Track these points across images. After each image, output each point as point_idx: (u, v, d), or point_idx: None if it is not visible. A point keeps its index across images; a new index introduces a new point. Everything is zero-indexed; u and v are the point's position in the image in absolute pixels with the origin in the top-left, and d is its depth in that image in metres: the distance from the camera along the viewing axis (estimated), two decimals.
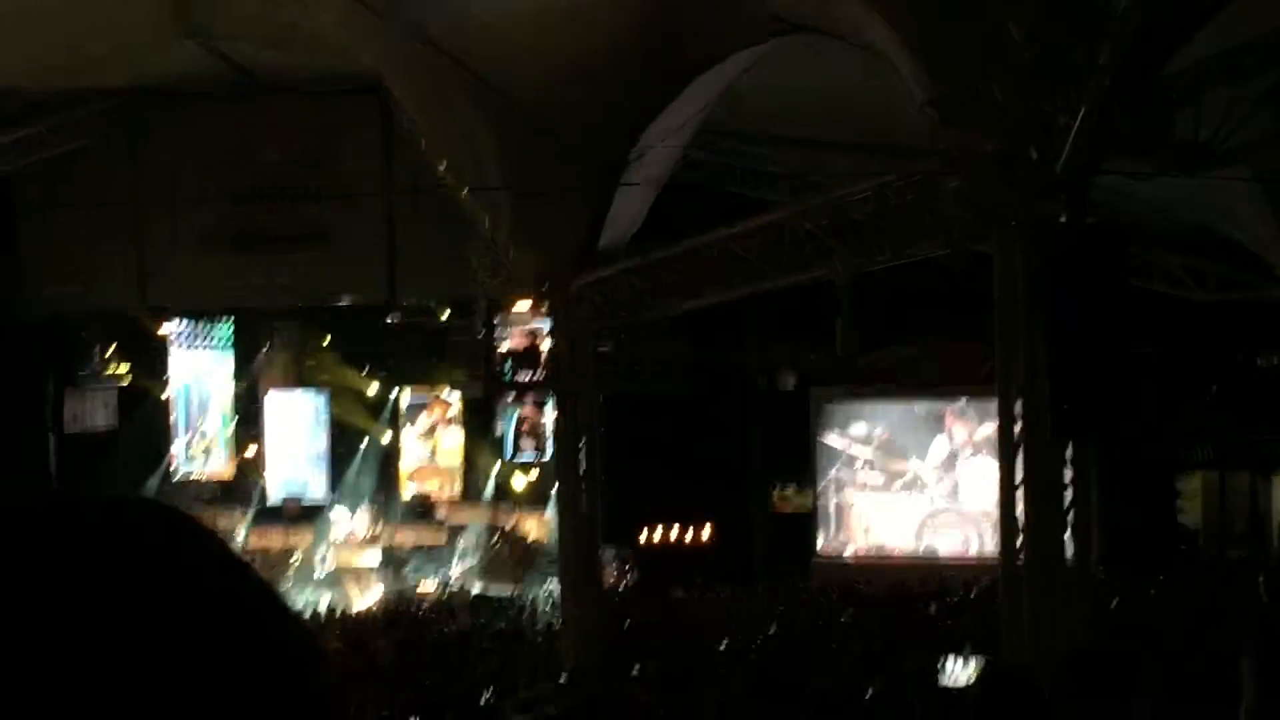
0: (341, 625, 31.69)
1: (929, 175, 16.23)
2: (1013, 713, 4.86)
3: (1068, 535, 15.04)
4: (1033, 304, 14.20)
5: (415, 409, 42.52)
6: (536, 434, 40.69)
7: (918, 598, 29.98)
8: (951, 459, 38.35)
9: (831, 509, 39.70)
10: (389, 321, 38.62)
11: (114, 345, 40.63)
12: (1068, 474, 15.10)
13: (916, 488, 38.78)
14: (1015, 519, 15.01)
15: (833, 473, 39.73)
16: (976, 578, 30.78)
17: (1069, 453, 15.07)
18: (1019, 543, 14.90)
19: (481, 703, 18.18)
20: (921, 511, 38.67)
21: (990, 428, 36.53)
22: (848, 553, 39.09)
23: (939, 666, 13.91)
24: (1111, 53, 12.89)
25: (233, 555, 1.17)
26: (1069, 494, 15.04)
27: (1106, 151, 14.01)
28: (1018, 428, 14.81)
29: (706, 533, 39.98)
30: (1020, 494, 14.95)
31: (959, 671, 13.83)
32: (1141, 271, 26.08)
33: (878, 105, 21.71)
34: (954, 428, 38.27)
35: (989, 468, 33.65)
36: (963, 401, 37.52)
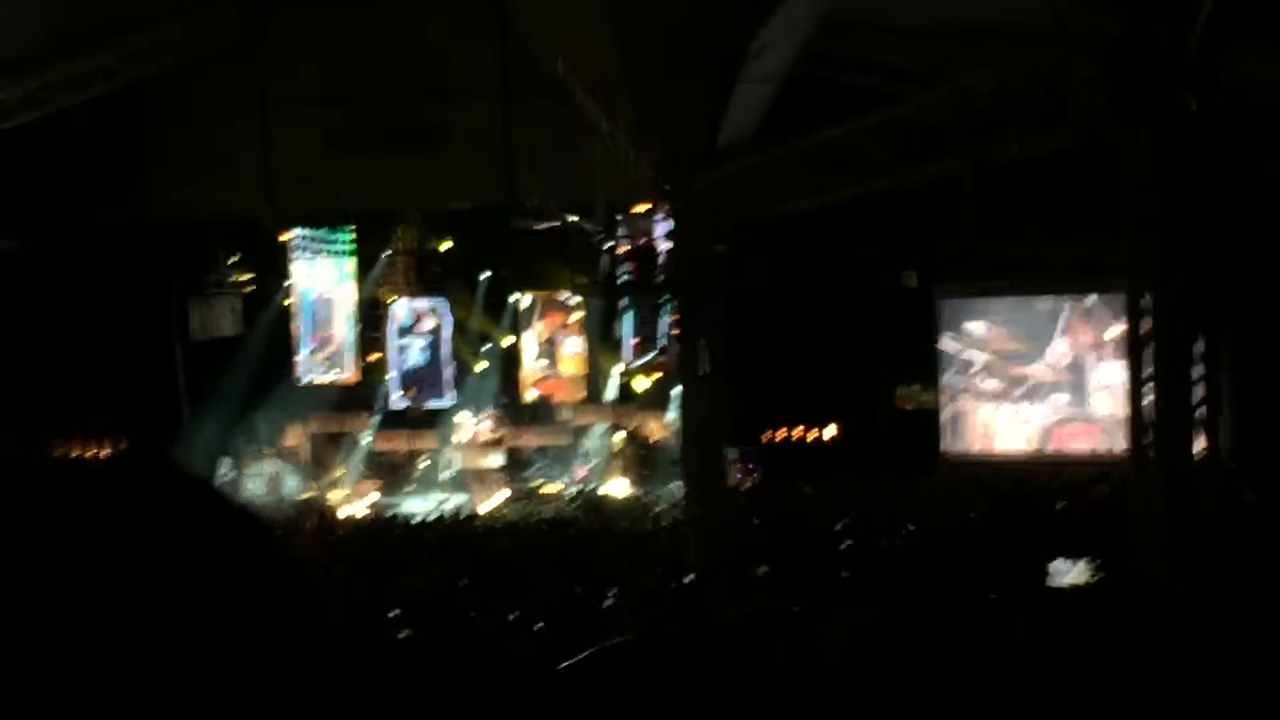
0: (468, 524, 31.94)
1: (1055, 62, 15.83)
2: (1126, 622, 4.67)
3: (1199, 433, 14.75)
4: (1163, 195, 13.84)
5: (536, 311, 42.65)
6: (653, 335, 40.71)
7: (1044, 494, 29.67)
8: (1078, 362, 37.80)
9: (950, 415, 39.40)
10: (515, 226, 38.70)
11: (239, 252, 41.05)
12: (1198, 370, 14.77)
13: (1039, 395, 38.31)
14: (1143, 416, 14.71)
15: (950, 377, 39.40)
16: (1105, 474, 30.42)
17: (1200, 349, 14.73)
18: (1148, 440, 14.61)
19: (605, 604, 18.19)
20: (1045, 419, 38.24)
21: (1119, 327, 36.41)
22: (973, 451, 38.80)
23: (1048, 568, 13.70)
24: None
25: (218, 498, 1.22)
26: (1200, 390, 14.71)
27: (1239, 32, 13.58)
28: (1146, 323, 14.48)
29: (831, 432, 39.82)
30: (1149, 391, 14.64)
31: (1068, 572, 13.60)
32: (1276, 156, 25.42)
33: None
34: (1079, 329, 37.69)
35: (1118, 371, 33.46)
36: (1092, 299, 36.93)
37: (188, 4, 33.61)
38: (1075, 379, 37.85)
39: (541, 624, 14.19)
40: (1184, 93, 13.71)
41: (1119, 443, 33.10)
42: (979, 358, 39.04)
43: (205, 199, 36.95)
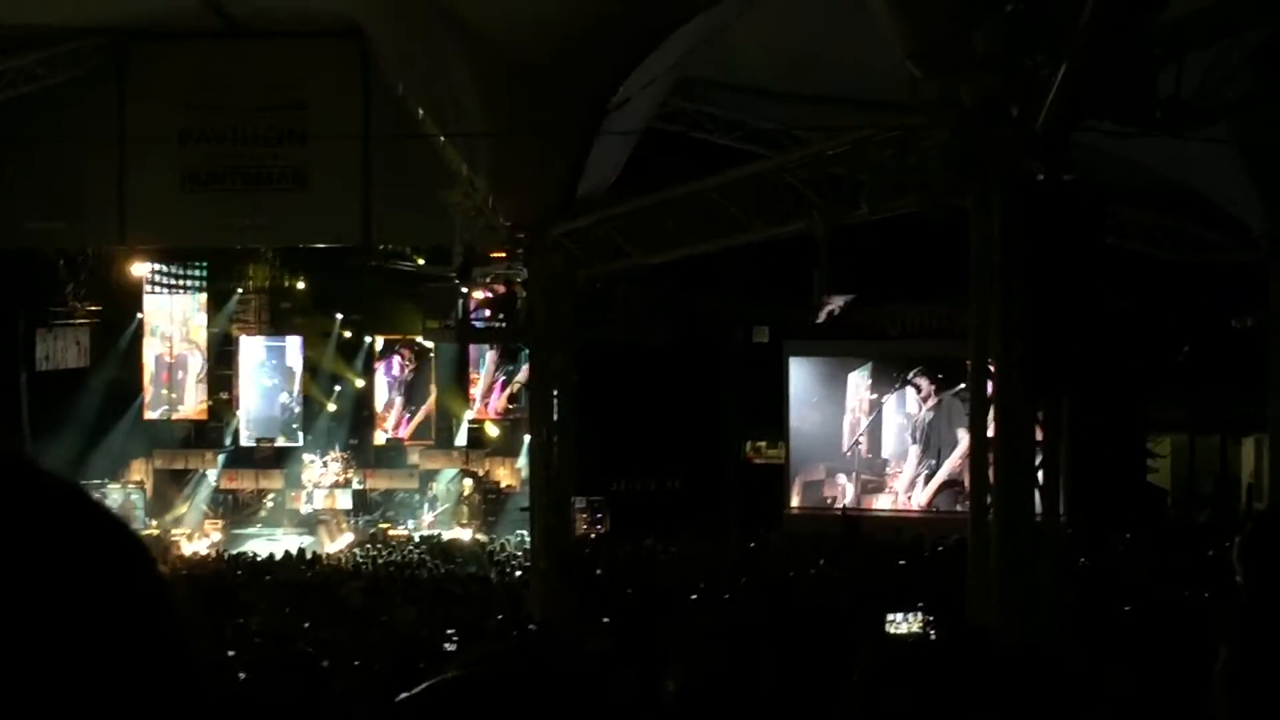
0: (312, 568, 31.73)
1: (909, 129, 16.20)
2: (966, 670, 4.84)
3: (1037, 493, 15.08)
4: (1009, 261, 14.19)
5: (388, 354, 42.54)
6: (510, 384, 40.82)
7: (887, 552, 30.09)
8: (921, 422, 38.37)
9: (796, 470, 39.77)
10: (372, 265, 38.62)
11: (88, 284, 40.53)
12: (1038, 433, 15.13)
13: (882, 453, 38.81)
14: (985, 477, 15.04)
15: (797, 433, 39.80)
16: (945, 534, 30.90)
17: (1040, 412, 15.09)
18: (988, 500, 14.93)
19: (450, 647, 18.21)
20: (888, 477, 38.74)
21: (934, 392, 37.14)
22: (818, 506, 39.17)
23: (886, 618, 13.94)
24: (1094, 7, 12.85)
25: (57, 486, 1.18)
26: (1039, 452, 15.07)
27: (1087, 109, 13.99)
28: (989, 386, 14.82)
29: (679, 483, 40.03)
30: (990, 452, 14.97)
31: (902, 623, 13.86)
32: (1118, 230, 26.09)
33: (860, 59, 21.66)
34: (924, 391, 38.31)
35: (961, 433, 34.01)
36: (918, 370, 37.83)
37: (48, 35, 33.20)
38: (920, 439, 38.38)
39: (382, 664, 14.20)
40: (1033, 163, 14.08)
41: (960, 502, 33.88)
42: (818, 415, 39.47)
43: (57, 231, 36.44)
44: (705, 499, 38.61)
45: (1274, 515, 1.45)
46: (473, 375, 42.65)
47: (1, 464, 1.15)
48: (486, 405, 42.48)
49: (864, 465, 38.84)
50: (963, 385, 34.06)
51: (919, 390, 38.28)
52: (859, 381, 38.96)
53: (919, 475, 38.20)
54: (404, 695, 1.74)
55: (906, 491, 38.23)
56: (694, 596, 23.11)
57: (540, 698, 1.69)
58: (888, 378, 38.49)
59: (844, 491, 38.71)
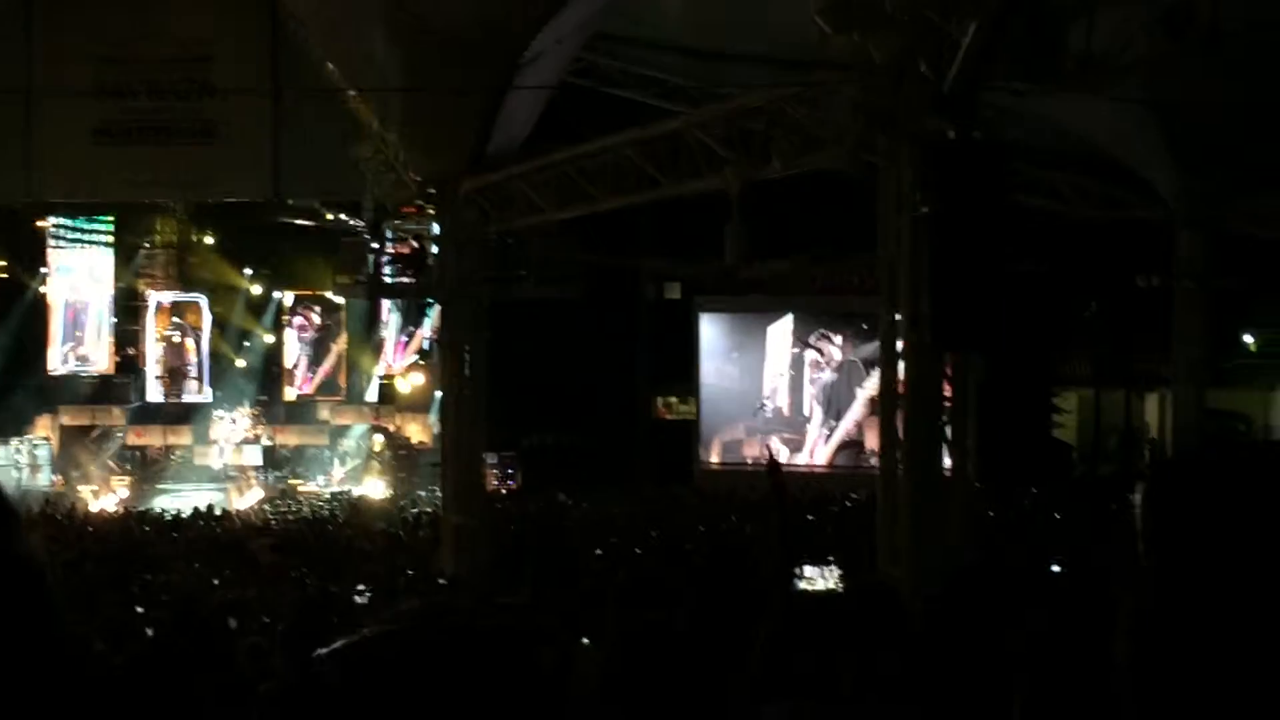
0: (221, 524, 31.54)
1: (822, 86, 16.24)
2: (873, 626, 4.89)
3: (945, 448, 15.22)
4: (917, 217, 14.27)
5: (298, 310, 42.30)
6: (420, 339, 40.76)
7: (796, 505, 30.27)
8: (830, 378, 38.66)
9: (706, 425, 39.96)
10: (281, 221, 38.36)
11: None
12: (946, 388, 15.26)
13: (794, 409, 39.06)
14: (895, 431, 15.15)
15: (706, 388, 40.00)
16: (855, 488, 31.15)
17: (948, 367, 15.21)
18: (897, 455, 15.05)
19: (361, 601, 18.17)
20: (798, 433, 38.99)
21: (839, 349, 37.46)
22: (727, 461, 39.37)
23: (796, 572, 14.00)
24: None
25: None
26: (947, 408, 15.19)
27: (996, 67, 14.08)
28: (898, 341, 14.92)
29: (591, 439, 40.08)
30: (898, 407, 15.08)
31: (817, 579, 13.97)
32: (1026, 188, 26.30)
33: (773, 16, 21.70)
34: (831, 348, 38.61)
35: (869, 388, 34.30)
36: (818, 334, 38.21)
37: None
38: (826, 388, 38.67)
39: (293, 621, 14.14)
40: (942, 121, 14.16)
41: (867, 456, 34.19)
42: (735, 370, 39.65)
43: None
44: (616, 455, 38.70)
45: (1172, 465, 1.46)
46: (382, 331, 42.52)
47: None
48: (395, 361, 42.34)
49: (782, 423, 39.04)
50: (866, 347, 34.56)
51: (821, 354, 38.55)
52: (780, 332, 39.10)
53: (820, 436, 38.52)
54: (320, 651, 1.73)
55: (809, 451, 38.54)
56: (602, 552, 23.18)
57: (460, 654, 1.69)
58: (805, 332, 38.70)
59: (761, 447, 38.92)
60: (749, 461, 38.67)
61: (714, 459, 39.62)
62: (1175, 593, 1.48)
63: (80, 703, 1.16)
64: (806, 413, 38.84)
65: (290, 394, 42.40)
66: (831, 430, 38.21)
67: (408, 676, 1.63)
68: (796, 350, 38.87)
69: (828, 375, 38.35)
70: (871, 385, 34.64)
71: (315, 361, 42.44)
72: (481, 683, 1.64)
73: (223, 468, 40.38)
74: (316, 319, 42.27)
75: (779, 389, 39.10)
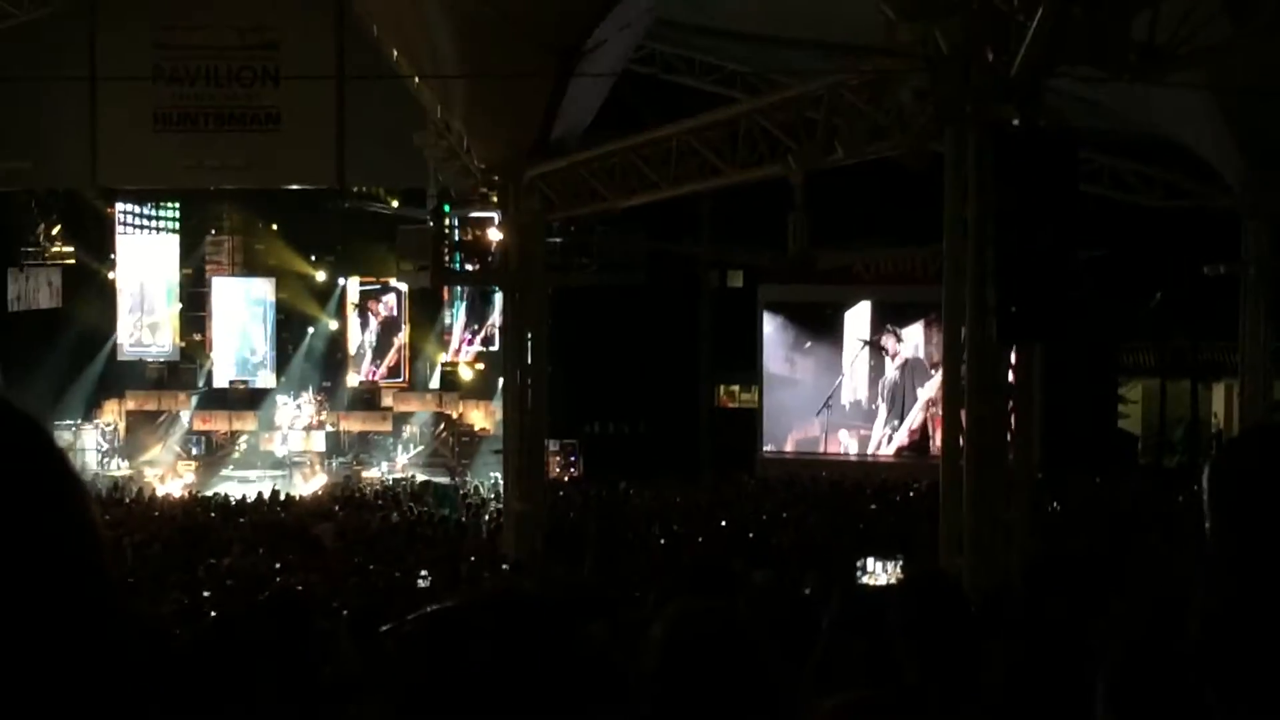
0: (285, 509, 31.74)
1: (885, 74, 16.18)
2: (934, 619, 4.88)
3: (1009, 438, 15.14)
4: (982, 206, 14.20)
5: (363, 297, 42.46)
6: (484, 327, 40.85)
7: (860, 496, 30.23)
8: (892, 371, 38.46)
9: (770, 415, 39.87)
10: (345, 207, 38.53)
11: (60, 224, 40.36)
12: (1011, 377, 15.18)
13: (857, 401, 38.86)
14: (958, 420, 15.09)
15: (771, 378, 39.89)
16: (918, 478, 31.06)
17: (1013, 356, 15.14)
18: (961, 444, 14.98)
19: (423, 587, 18.27)
20: (862, 425, 38.79)
21: (914, 339, 37.16)
22: (790, 449, 39.29)
23: (858, 565, 14.03)
24: None
25: None
26: (1012, 397, 15.12)
27: (1062, 54, 13.98)
28: (964, 330, 14.85)
29: (653, 427, 40.11)
30: (965, 396, 15.01)
31: (880, 572, 13.96)
32: (1092, 176, 26.13)
33: (836, 3, 21.62)
34: (893, 340, 38.37)
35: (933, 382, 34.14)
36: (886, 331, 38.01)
37: None
38: (890, 387, 38.48)
39: (359, 603, 14.23)
40: (1007, 108, 14.08)
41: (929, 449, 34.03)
42: (795, 359, 39.57)
43: (27, 171, 36.20)
44: (677, 443, 38.72)
45: (1242, 438, 1.42)
46: (447, 318, 42.62)
47: None
48: (460, 349, 42.43)
49: (858, 415, 38.78)
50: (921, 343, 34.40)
51: (886, 351, 38.34)
52: (858, 319, 38.83)
53: (884, 436, 38.33)
54: (388, 627, 1.75)
55: (875, 447, 38.35)
56: (665, 539, 23.22)
57: (522, 631, 1.70)
58: (882, 321, 38.34)
59: (824, 435, 38.82)
60: (822, 453, 38.55)
61: (770, 446, 39.45)
62: (1248, 570, 1.47)
63: (137, 678, 1.17)
64: (875, 406, 38.63)
65: (354, 380, 42.57)
66: (894, 430, 38.00)
67: (464, 650, 1.65)
68: (865, 343, 38.62)
69: (891, 373, 38.15)
70: (932, 385, 34.52)
71: (381, 351, 42.58)
72: (536, 653, 1.66)
73: (286, 454, 40.58)
74: (383, 310, 42.41)
75: (852, 379, 38.85)
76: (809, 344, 39.33)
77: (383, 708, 1.50)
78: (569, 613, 1.81)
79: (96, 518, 1.20)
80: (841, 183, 21.44)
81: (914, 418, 37.26)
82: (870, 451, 38.22)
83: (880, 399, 38.33)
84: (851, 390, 38.79)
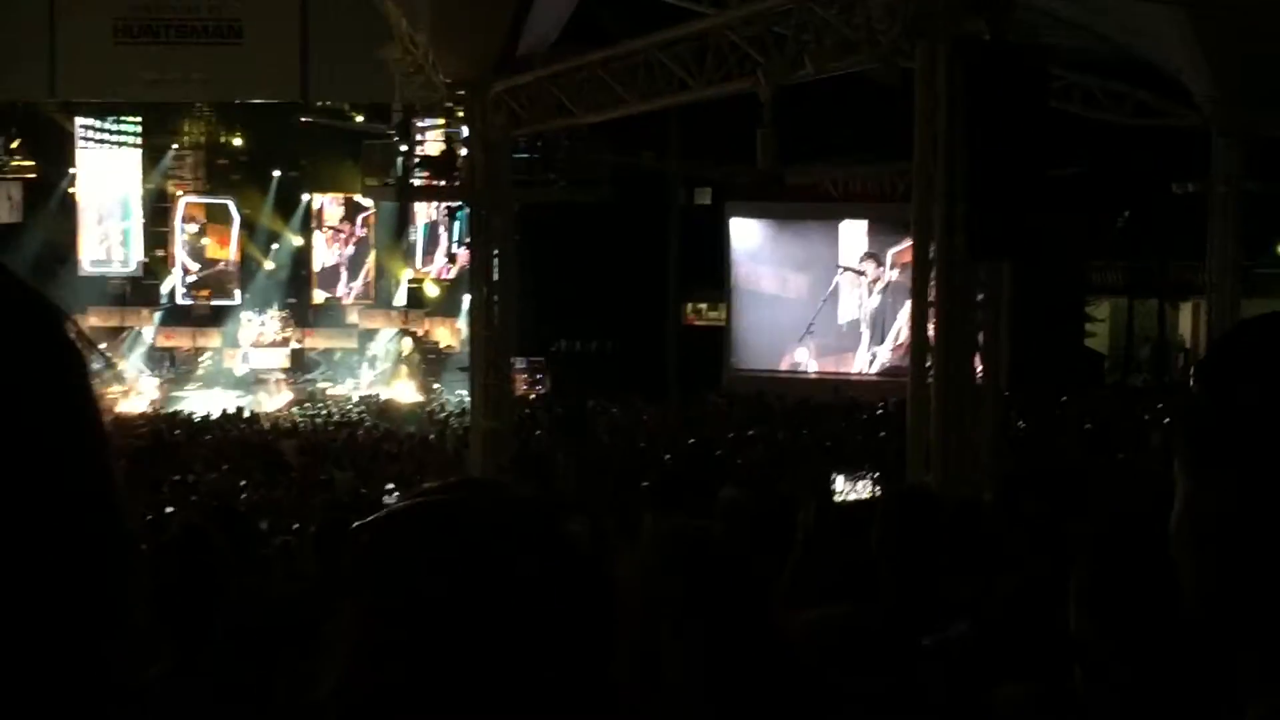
0: (250, 426, 31.66)
1: None
2: (913, 532, 4.83)
3: (976, 356, 15.14)
4: (953, 122, 14.12)
5: (327, 212, 42.23)
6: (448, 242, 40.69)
7: (827, 413, 30.26)
8: (859, 287, 38.31)
9: (737, 332, 39.81)
10: (308, 121, 38.25)
11: (19, 138, 39.94)
12: (979, 295, 15.15)
13: (824, 317, 38.72)
14: (926, 338, 15.07)
15: (738, 294, 39.79)
16: (885, 396, 31.09)
17: (981, 274, 15.10)
18: (928, 362, 14.97)
19: (387, 504, 18.18)
20: (828, 340, 38.68)
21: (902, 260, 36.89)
22: (758, 368, 39.26)
23: (830, 482, 14.01)
24: None
25: None
26: (979, 314, 15.10)
27: None
28: (932, 247, 14.80)
29: (620, 344, 40.05)
30: (931, 313, 14.98)
31: (849, 489, 13.94)
32: (1061, 93, 26.02)
33: None
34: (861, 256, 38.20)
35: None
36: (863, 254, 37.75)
37: None
38: (872, 312, 38.38)
39: (323, 521, 14.16)
40: (978, 22, 13.99)
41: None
42: (767, 276, 39.47)
43: None
44: (645, 360, 38.69)
45: (1234, 335, 1.33)
46: (411, 234, 42.44)
47: None
48: (427, 265, 42.27)
49: (834, 335, 38.66)
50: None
51: (865, 275, 38.17)
52: (853, 235, 38.53)
53: (865, 361, 38.20)
54: (359, 523, 1.67)
55: (858, 371, 38.23)
56: (635, 455, 23.19)
57: (491, 520, 1.63)
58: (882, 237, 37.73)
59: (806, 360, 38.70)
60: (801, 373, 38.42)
61: (765, 368, 39.18)
62: (1244, 476, 1.39)
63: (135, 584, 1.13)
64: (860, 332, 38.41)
65: (320, 297, 42.39)
66: (874, 356, 37.87)
67: (439, 542, 1.58)
68: (843, 269, 38.36)
69: (874, 299, 37.94)
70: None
71: (355, 271, 42.40)
72: (516, 546, 1.58)
73: (251, 370, 40.44)
74: (356, 229, 42.18)
75: (834, 305, 38.60)
76: (805, 262, 39.01)
77: (350, 610, 1.43)
78: (549, 508, 1.74)
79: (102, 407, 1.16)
80: (811, 99, 21.30)
81: (893, 339, 37.06)
82: (854, 371, 38.08)
83: (863, 325, 38.19)
84: (833, 315, 38.60)
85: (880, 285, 37.79)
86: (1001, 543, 5.70)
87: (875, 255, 37.75)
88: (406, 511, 1.68)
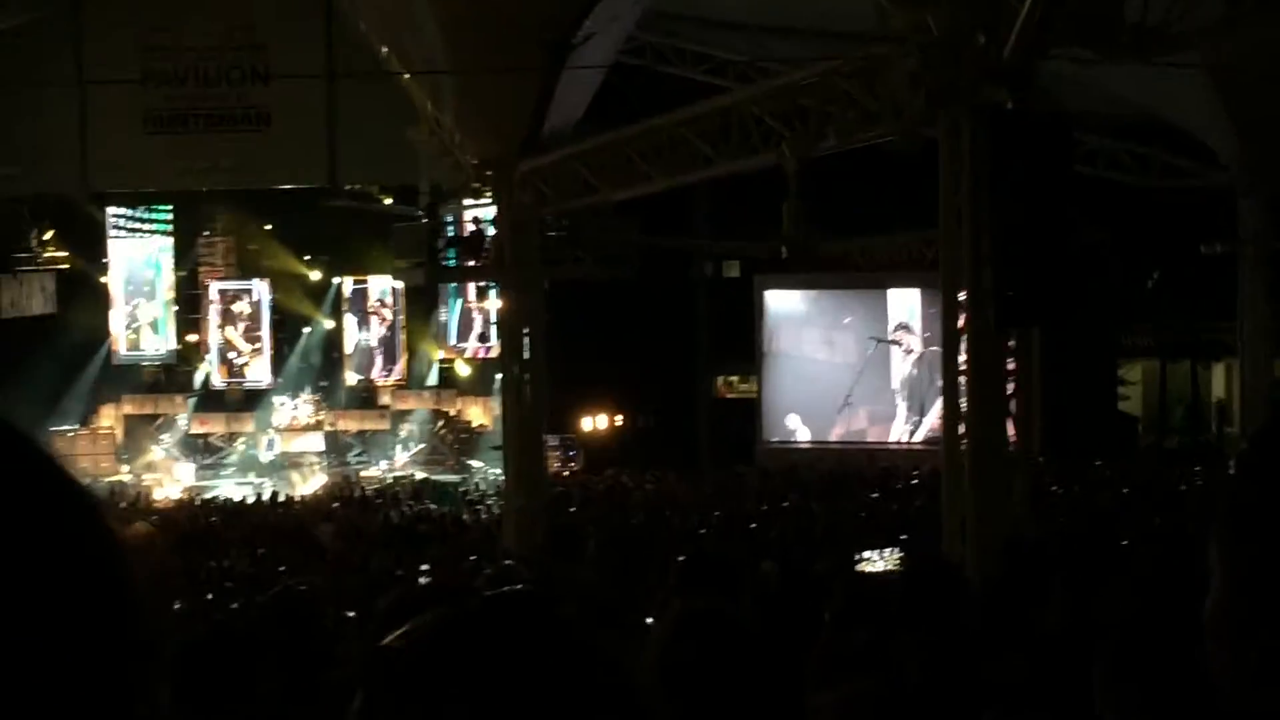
0: (285, 510, 31.68)
1: (877, 59, 16.10)
2: (934, 606, 4.81)
3: (1009, 422, 15.10)
4: (978, 191, 14.14)
5: (358, 296, 42.33)
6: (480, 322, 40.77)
7: (861, 483, 30.13)
8: (892, 357, 38.09)
9: (768, 404, 39.63)
10: (338, 205, 38.45)
11: (52, 229, 40.22)
12: (1010, 362, 15.13)
13: (856, 387, 38.47)
14: (957, 406, 15.04)
15: (769, 367, 39.63)
16: (918, 465, 30.98)
17: (1011, 340, 15.09)
18: (961, 430, 14.93)
19: (423, 584, 18.14)
20: (861, 410, 38.46)
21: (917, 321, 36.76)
22: (792, 439, 39.08)
23: (857, 557, 13.98)
24: None
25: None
26: (1011, 381, 15.07)
27: (1054, 36, 13.91)
28: (961, 316, 14.80)
29: (651, 419, 40.03)
30: (963, 381, 14.95)
31: (879, 561, 13.90)
32: (1087, 158, 26.07)
33: None
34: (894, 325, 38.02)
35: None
36: (899, 325, 37.53)
37: None
38: (887, 372, 38.23)
39: (356, 608, 14.15)
40: (1000, 91, 14.02)
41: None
42: (798, 348, 39.35)
43: (17, 177, 36.11)
44: (677, 434, 38.64)
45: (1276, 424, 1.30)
46: (442, 315, 42.50)
47: None
48: (459, 345, 42.29)
49: (871, 405, 38.39)
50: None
51: (901, 345, 37.96)
52: (902, 301, 38.24)
53: (904, 433, 37.93)
54: (385, 642, 1.66)
55: (895, 440, 37.95)
56: (666, 531, 23.11)
57: (534, 639, 1.63)
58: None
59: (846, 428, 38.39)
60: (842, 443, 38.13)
61: (772, 436, 39.06)
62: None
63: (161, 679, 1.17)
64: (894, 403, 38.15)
65: (352, 379, 42.45)
66: (916, 426, 37.54)
67: (464, 674, 1.58)
68: (878, 340, 38.08)
69: (909, 368, 37.69)
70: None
71: (387, 353, 42.47)
72: (550, 664, 1.59)
73: (285, 454, 40.46)
74: (389, 314, 42.28)
75: (871, 374, 38.29)
76: (833, 332, 38.79)
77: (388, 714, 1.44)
78: (579, 618, 1.73)
79: (112, 528, 1.20)
80: (836, 172, 21.36)
81: (936, 411, 36.60)
82: (892, 440, 37.81)
83: (900, 395, 37.92)
84: (870, 385, 38.26)
85: (914, 356, 37.61)
86: (1028, 618, 5.68)
87: (907, 325, 37.61)
88: (432, 634, 1.67)
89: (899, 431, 37.90)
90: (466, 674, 1.54)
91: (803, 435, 38.93)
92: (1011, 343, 15.10)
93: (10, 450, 1.15)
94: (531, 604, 1.66)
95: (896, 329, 37.82)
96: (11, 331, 39.08)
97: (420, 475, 38.98)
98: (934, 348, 35.86)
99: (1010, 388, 15.08)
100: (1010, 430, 15.21)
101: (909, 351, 37.72)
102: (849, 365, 38.53)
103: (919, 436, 37.12)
